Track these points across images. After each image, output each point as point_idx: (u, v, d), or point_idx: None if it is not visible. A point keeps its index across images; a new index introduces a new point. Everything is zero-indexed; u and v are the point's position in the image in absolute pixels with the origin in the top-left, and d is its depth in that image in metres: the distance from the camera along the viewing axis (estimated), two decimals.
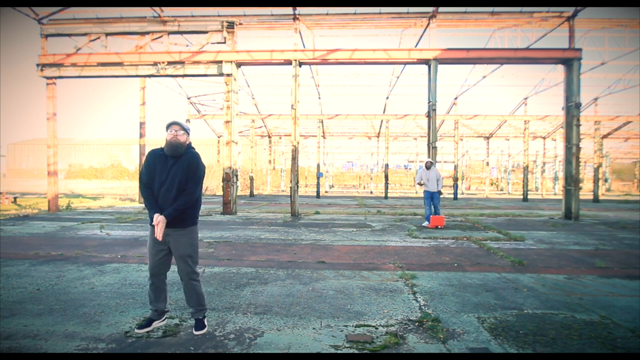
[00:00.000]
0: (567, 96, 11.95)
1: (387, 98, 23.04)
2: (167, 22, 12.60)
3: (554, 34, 12.85)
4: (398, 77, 19.32)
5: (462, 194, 31.08)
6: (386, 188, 23.14)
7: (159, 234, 2.96)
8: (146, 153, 3.03)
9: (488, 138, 30.13)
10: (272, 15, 12.45)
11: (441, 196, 10.14)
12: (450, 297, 4.05)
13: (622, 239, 8.18)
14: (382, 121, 26.05)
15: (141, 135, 17.04)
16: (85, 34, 12.77)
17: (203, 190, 24.33)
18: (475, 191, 37.03)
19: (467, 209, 15.43)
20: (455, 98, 23.82)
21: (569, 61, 11.79)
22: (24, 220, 10.37)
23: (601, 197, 25.34)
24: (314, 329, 3.21)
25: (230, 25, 12.41)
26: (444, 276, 4.92)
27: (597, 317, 3.51)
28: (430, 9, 12.09)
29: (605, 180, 35.39)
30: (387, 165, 23.53)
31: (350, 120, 25.50)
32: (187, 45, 12.96)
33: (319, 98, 23.28)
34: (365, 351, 2.80)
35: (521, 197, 24.87)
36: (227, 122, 12.68)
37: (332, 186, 41.78)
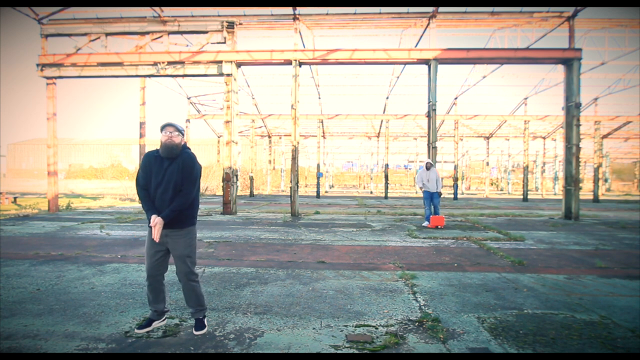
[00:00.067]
0: (567, 96, 11.96)
1: (387, 98, 23.04)
2: (167, 22, 12.61)
3: (554, 34, 12.87)
4: (398, 77, 19.32)
5: (462, 194, 31.08)
6: (386, 188, 23.15)
7: (156, 235, 2.96)
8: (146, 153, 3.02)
9: (488, 138, 30.12)
10: (272, 15, 12.45)
11: (441, 196, 10.19)
12: (450, 297, 4.05)
13: (622, 239, 8.18)
14: (382, 121, 26.06)
15: (141, 135, 17.05)
16: (85, 34, 12.77)
17: (203, 190, 24.38)
18: (475, 191, 37.04)
19: (467, 209, 15.43)
20: (455, 98, 23.82)
21: (569, 61, 11.79)
22: (24, 220, 10.37)
23: (601, 197, 25.34)
24: (314, 329, 3.20)
25: (230, 25, 12.42)
26: (444, 276, 4.92)
27: (597, 317, 3.50)
28: (430, 9, 12.09)
29: (605, 180, 35.39)
30: (387, 165, 23.54)
31: (350, 120, 25.50)
32: (187, 45, 12.96)
33: (319, 98, 23.28)
34: (365, 351, 2.80)
35: (521, 197, 24.88)
36: (227, 122, 12.69)
37: (332, 186, 41.78)
